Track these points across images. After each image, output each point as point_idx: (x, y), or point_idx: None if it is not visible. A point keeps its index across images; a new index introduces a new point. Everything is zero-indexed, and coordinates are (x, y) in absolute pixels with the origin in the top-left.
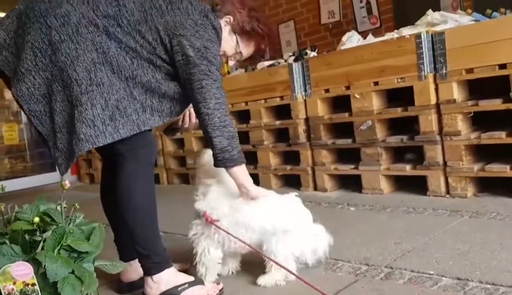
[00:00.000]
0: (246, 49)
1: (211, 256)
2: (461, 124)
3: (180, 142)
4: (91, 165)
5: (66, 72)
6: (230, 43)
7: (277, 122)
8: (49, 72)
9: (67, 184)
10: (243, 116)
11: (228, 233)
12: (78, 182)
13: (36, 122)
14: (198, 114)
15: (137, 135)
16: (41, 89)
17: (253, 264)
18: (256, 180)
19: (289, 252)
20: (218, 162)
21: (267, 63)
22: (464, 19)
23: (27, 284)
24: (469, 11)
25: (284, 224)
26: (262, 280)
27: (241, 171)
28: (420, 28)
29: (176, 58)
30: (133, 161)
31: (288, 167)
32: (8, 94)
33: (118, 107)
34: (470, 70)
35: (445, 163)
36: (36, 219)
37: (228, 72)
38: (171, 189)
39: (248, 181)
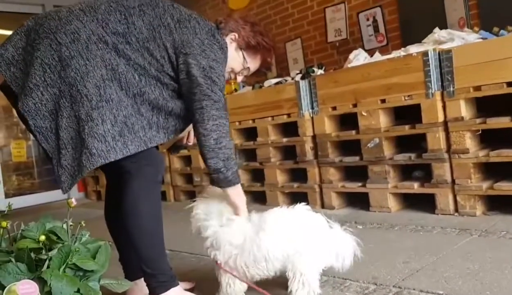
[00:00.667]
0: (253, 63)
1: (235, 288)
2: (469, 142)
3: (187, 160)
4: (98, 181)
5: (76, 88)
6: (237, 59)
7: (284, 139)
8: (57, 88)
9: (73, 201)
10: (250, 133)
11: (237, 277)
12: (85, 199)
13: (41, 138)
14: (196, 133)
15: (143, 152)
16: (48, 105)
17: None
18: (263, 197)
19: (317, 268)
20: (213, 182)
21: (274, 80)
22: (471, 37)
23: None
24: (476, 29)
25: (306, 241)
26: None
27: (235, 192)
28: (427, 46)
29: (180, 76)
30: (139, 178)
31: (295, 184)
32: None
33: (126, 124)
34: (477, 88)
35: (453, 181)
36: (42, 237)
37: (236, 90)
38: (177, 206)
39: (240, 202)
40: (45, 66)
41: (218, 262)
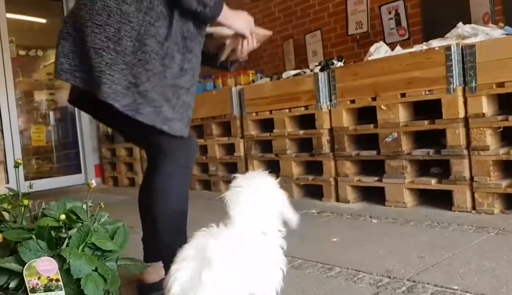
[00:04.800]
0: None
1: None
2: (490, 139)
3: (203, 149)
4: (115, 168)
5: (141, 51)
6: None
7: (301, 132)
8: (121, 64)
9: (93, 183)
10: (267, 125)
11: None
12: (102, 185)
13: (133, 114)
14: None
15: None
16: (121, 82)
17: None
18: None
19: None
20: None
21: (292, 72)
22: (495, 32)
23: (51, 280)
24: (501, 24)
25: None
26: None
27: (226, 16)
28: (450, 40)
29: None
30: (172, 163)
31: (311, 177)
32: (38, 96)
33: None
34: (500, 84)
35: (472, 178)
36: (63, 216)
37: (253, 81)
38: (193, 195)
39: (237, 19)
40: (99, 51)
41: None
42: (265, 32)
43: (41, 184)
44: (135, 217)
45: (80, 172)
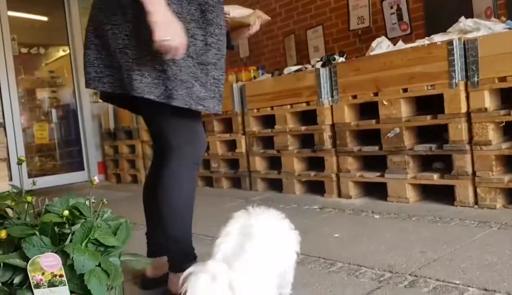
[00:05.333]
0: None
1: None
2: (492, 134)
3: None
4: (117, 165)
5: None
6: None
7: (303, 127)
8: (146, 57)
9: (96, 179)
10: (268, 121)
11: None
12: (105, 182)
13: (168, 101)
14: None
15: (189, 130)
16: (150, 76)
17: None
18: (279, 185)
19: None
20: None
21: (294, 68)
22: (498, 26)
23: (55, 275)
24: (503, 18)
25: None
26: None
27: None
28: (452, 35)
29: None
30: (180, 158)
31: (312, 173)
32: (40, 94)
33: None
34: (503, 79)
35: (474, 173)
36: (66, 212)
37: (255, 77)
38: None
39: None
40: (123, 50)
41: None
42: (266, 17)
43: (44, 181)
44: (138, 214)
45: (83, 169)
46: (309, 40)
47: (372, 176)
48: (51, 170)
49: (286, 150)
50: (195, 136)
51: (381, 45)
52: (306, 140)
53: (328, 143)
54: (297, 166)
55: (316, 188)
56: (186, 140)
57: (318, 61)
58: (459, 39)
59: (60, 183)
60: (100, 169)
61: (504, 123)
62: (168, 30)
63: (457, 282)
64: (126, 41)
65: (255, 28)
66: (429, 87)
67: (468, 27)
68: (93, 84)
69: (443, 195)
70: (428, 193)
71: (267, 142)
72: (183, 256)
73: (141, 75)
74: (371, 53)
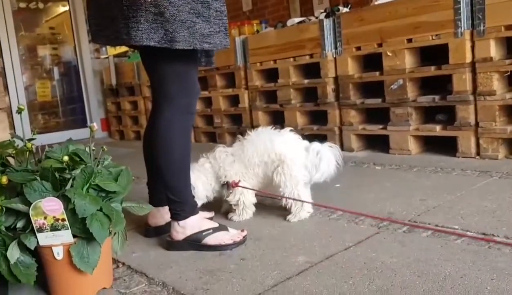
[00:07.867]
0: None
1: (248, 197)
2: (497, 84)
3: (208, 101)
4: (121, 122)
5: None
6: None
7: (306, 81)
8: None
9: (95, 126)
10: (271, 74)
11: (247, 188)
12: (108, 139)
13: (171, 44)
14: None
15: (183, 80)
16: (147, 23)
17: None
18: None
19: (297, 176)
20: None
21: (297, 20)
22: None
23: (57, 219)
24: None
25: (280, 152)
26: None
27: None
28: None
29: None
30: (173, 107)
31: (315, 127)
32: (41, 51)
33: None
34: (509, 27)
35: (477, 124)
36: (66, 158)
37: (258, 31)
38: (198, 147)
39: None
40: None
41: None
42: None
43: (47, 138)
44: (141, 169)
45: (86, 126)
46: None
47: (374, 128)
48: (54, 127)
49: (289, 104)
50: (189, 85)
51: None
52: (309, 94)
53: (331, 97)
54: (300, 120)
55: (319, 141)
56: (180, 89)
57: (322, 13)
58: None
59: (63, 139)
60: (103, 126)
61: (509, 73)
62: None
63: (456, 227)
64: None
65: None
66: (434, 37)
67: None
68: (94, 39)
69: (446, 147)
70: (431, 145)
71: (270, 97)
72: (183, 204)
73: (137, 22)
74: (376, 3)
